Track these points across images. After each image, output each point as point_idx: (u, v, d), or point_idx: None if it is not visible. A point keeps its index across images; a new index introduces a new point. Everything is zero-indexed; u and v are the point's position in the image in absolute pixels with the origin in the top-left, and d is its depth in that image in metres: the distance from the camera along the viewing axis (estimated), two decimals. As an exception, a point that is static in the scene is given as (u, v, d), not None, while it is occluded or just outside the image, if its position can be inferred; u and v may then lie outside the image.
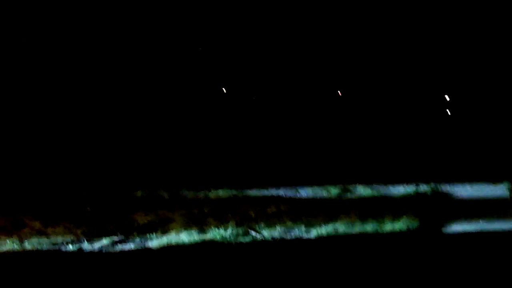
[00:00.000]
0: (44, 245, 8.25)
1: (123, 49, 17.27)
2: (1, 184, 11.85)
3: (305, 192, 12.69)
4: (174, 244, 8.38)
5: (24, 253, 7.90)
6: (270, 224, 9.50)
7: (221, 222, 9.55)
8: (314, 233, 9.10)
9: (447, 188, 13.39)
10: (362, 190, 12.93)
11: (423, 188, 13.19)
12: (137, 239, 8.68)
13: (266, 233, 9.03)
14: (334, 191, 12.77)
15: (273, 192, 12.62)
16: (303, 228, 9.39)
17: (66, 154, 15.81)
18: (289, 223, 9.60)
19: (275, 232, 9.14)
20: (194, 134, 19.93)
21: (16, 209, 9.92)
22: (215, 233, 8.91)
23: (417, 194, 12.59)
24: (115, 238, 8.65)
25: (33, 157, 15.12)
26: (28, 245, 8.20)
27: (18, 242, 8.35)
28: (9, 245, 8.24)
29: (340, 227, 9.43)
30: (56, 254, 7.88)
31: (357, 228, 9.38)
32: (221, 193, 12.12)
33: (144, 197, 11.75)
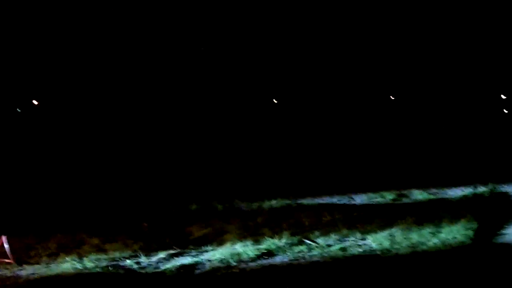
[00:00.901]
0: (103, 261, 8.42)
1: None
2: (62, 204, 12.20)
3: (360, 199, 12.57)
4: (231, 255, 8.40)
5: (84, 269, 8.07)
6: (325, 233, 9.43)
7: (276, 232, 9.54)
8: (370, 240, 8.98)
9: (506, 188, 13.03)
10: (418, 194, 12.72)
11: (481, 189, 12.87)
12: (193, 252, 8.76)
13: (321, 242, 8.96)
14: (389, 196, 12.61)
15: (326, 200, 12.56)
16: (358, 235, 9.28)
17: (122, 172, 16.15)
18: (344, 231, 9.51)
19: (330, 240, 9.06)
20: (246, 147, 20.01)
21: (76, 227, 10.17)
22: (269, 243, 8.90)
23: (475, 196, 12.29)
24: (172, 251, 8.74)
25: (91, 177, 15.50)
26: (86, 262, 8.37)
27: (77, 259, 8.54)
28: (69, 262, 8.44)
29: (397, 232, 9.27)
30: (114, 269, 8.01)
31: (414, 233, 9.21)
32: (275, 203, 12.13)
33: (199, 210, 11.87)
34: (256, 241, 9.06)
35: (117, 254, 8.77)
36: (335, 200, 12.57)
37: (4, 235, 8.97)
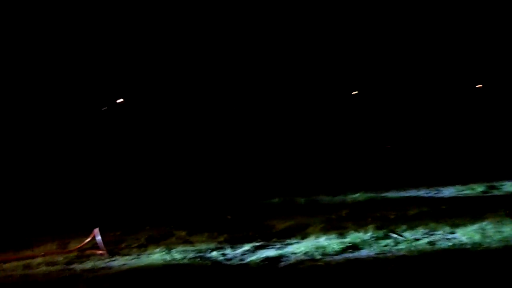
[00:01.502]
0: (190, 253, 8.61)
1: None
2: (152, 201, 12.55)
3: (447, 192, 12.23)
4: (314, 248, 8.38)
5: (172, 261, 8.29)
6: (411, 226, 9.24)
7: (360, 225, 9.44)
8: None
9: None
10: (510, 186, 12.25)
11: None
12: (277, 244, 8.80)
13: (408, 235, 8.78)
14: (478, 188, 12.20)
15: (412, 193, 12.29)
16: (447, 229, 9.03)
17: (207, 168, 16.42)
18: (432, 224, 9.28)
19: (417, 234, 8.87)
20: (330, 139, 19.87)
21: (164, 221, 10.47)
22: (354, 237, 8.81)
23: None
24: (256, 244, 8.82)
25: (177, 173, 15.86)
26: (175, 254, 8.60)
27: (166, 250, 8.79)
28: (158, 253, 8.70)
29: (488, 226, 8.96)
30: (201, 260, 8.17)
31: (506, 226, 8.86)
32: (358, 196, 12.00)
33: (282, 203, 11.92)
34: (341, 235, 9.00)
35: (203, 246, 8.96)
36: (421, 193, 12.29)
37: (97, 227, 9.36)
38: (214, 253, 8.49)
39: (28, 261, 8.86)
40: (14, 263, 8.77)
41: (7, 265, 8.70)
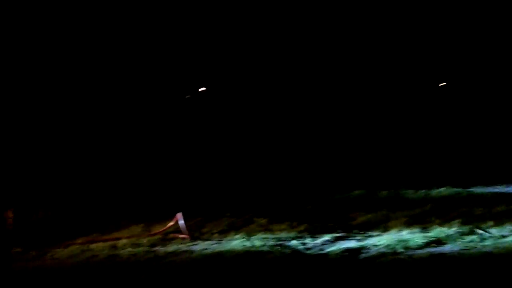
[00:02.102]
0: (270, 240, 8.66)
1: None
2: (233, 189, 12.70)
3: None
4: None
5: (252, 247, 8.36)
6: (498, 223, 8.90)
7: (445, 220, 9.18)
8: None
9: None
10: None
11: None
12: (358, 236, 8.70)
13: (495, 232, 8.46)
14: None
15: (501, 189, 11.85)
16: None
17: (287, 160, 16.43)
18: (521, 222, 8.91)
19: (504, 231, 8.53)
20: (414, 132, 19.39)
21: (246, 209, 10.57)
22: (438, 231, 8.59)
23: None
24: (336, 235, 8.76)
25: (258, 163, 15.94)
26: (255, 241, 8.67)
27: (246, 237, 8.88)
28: (239, 240, 8.80)
29: None
30: (281, 248, 8.20)
31: None
32: (443, 190, 11.69)
33: (362, 196, 11.78)
34: (424, 229, 8.80)
35: (283, 235, 8.99)
36: (510, 189, 11.83)
37: (180, 212, 9.58)
38: (294, 242, 8.50)
39: (114, 242, 9.18)
40: (101, 244, 9.12)
41: (94, 246, 9.04)
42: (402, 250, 7.87)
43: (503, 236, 8.25)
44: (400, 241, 8.25)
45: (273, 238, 8.79)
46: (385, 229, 8.99)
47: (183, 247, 8.66)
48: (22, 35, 14.55)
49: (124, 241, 9.18)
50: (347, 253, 7.86)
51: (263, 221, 9.87)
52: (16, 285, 6.90)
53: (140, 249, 8.66)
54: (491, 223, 8.90)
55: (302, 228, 9.27)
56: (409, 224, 9.16)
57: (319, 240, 8.56)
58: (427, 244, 8.06)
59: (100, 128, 15.46)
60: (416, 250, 7.85)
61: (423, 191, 11.84)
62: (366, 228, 9.12)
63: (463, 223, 8.94)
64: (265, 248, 8.21)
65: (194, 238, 9.14)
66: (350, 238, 8.63)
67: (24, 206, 9.89)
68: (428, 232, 8.61)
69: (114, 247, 8.87)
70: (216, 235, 9.35)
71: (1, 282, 5.57)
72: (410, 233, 8.63)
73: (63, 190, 11.83)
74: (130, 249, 8.69)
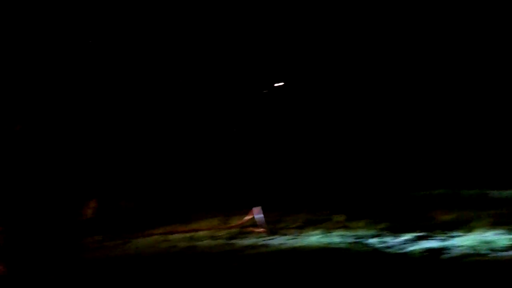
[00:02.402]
0: (348, 238, 8.53)
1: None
2: (311, 184, 12.60)
3: None
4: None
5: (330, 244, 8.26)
6: None
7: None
8: None
9: None
10: None
11: None
12: (440, 236, 8.43)
13: None
14: None
15: None
16: None
17: (371, 155, 16.10)
18: None
19: None
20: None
21: (324, 206, 10.46)
22: (526, 234, 8.20)
23: None
24: (417, 234, 8.52)
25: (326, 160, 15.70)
26: (332, 237, 8.57)
27: (324, 234, 8.80)
28: (316, 236, 8.72)
29: None
30: (360, 246, 8.06)
31: None
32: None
33: (446, 195, 11.41)
34: (511, 230, 8.41)
35: (362, 232, 8.84)
36: None
37: (258, 206, 9.60)
38: (374, 240, 8.33)
39: (192, 234, 9.32)
40: (180, 235, 9.27)
41: (173, 236, 9.21)
42: (487, 251, 7.56)
43: None
44: (484, 242, 7.92)
45: (351, 236, 8.65)
46: (469, 229, 8.66)
47: (260, 241, 8.67)
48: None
49: (202, 233, 9.29)
50: (428, 253, 7.63)
51: (341, 217, 9.74)
52: (97, 273, 7.09)
53: (218, 241, 8.74)
54: None
55: (382, 226, 9.08)
56: (494, 225, 8.78)
57: (399, 239, 8.35)
58: (514, 247, 7.72)
59: (181, 120, 15.69)
60: (501, 252, 7.52)
61: (510, 191, 11.34)
62: (449, 228, 8.81)
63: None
64: (343, 245, 8.10)
65: (271, 232, 9.13)
66: (432, 237, 8.37)
67: (108, 196, 10.19)
68: (514, 234, 8.24)
69: (193, 238, 9.00)
70: (293, 230, 9.31)
71: (74, 270, 5.76)
72: (496, 234, 8.27)
73: (145, 181, 12.09)
74: (208, 241, 8.79)
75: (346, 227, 9.25)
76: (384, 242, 8.24)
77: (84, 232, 7.99)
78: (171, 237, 9.13)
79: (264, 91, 19.69)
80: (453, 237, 8.34)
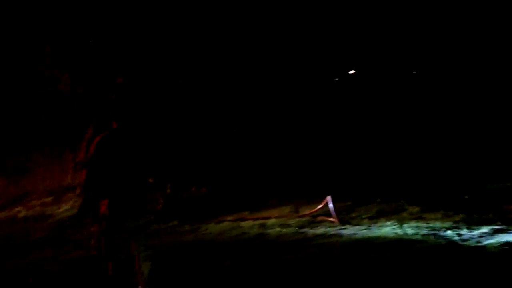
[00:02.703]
0: (423, 229, 8.33)
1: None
2: (385, 174, 12.34)
3: None
4: None
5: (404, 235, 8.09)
6: None
7: None
8: None
9: None
10: None
11: None
12: (519, 230, 8.10)
13: None
14: None
15: None
16: None
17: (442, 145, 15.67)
18: None
19: None
20: None
21: (398, 196, 10.24)
22: None
23: None
24: (495, 227, 8.21)
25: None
26: (407, 229, 8.38)
27: (397, 224, 8.62)
28: (389, 227, 8.56)
29: None
30: (435, 238, 7.84)
31: None
32: None
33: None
34: None
35: (437, 224, 8.60)
36: None
37: (329, 195, 9.50)
38: (449, 232, 8.08)
39: (263, 221, 9.32)
40: (250, 222, 9.30)
41: (243, 223, 9.25)
42: None
43: None
44: None
45: (426, 227, 8.43)
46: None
47: (331, 230, 8.58)
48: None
49: (273, 220, 9.29)
50: (507, 247, 7.35)
51: (415, 209, 9.51)
52: (172, 257, 7.20)
53: (289, 229, 8.71)
54: None
55: (457, 218, 8.79)
56: None
57: (476, 232, 8.07)
58: None
59: (253, 106, 15.76)
60: None
61: None
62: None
63: None
64: (418, 237, 7.90)
65: (343, 222, 9.03)
66: (510, 231, 8.05)
67: (181, 182, 10.31)
68: None
69: (263, 226, 9.01)
70: (365, 220, 9.17)
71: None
72: None
73: (217, 168, 12.19)
74: (278, 229, 8.77)
75: (421, 218, 9.02)
76: (460, 235, 7.99)
77: (158, 218, 8.11)
78: (242, 224, 9.17)
79: (336, 79, 19.48)
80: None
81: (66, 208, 10.36)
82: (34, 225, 9.33)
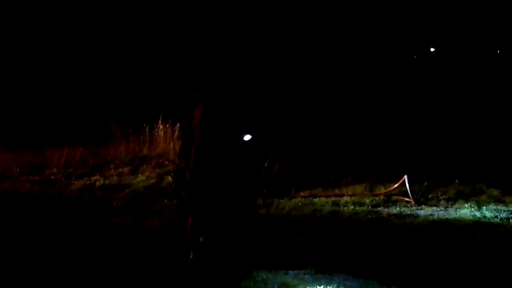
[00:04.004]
0: (503, 213, 8.05)
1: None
2: (465, 155, 11.97)
3: None
4: None
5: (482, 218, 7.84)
6: None
7: None
8: None
9: None
10: None
11: None
12: None
13: None
14: None
15: None
16: None
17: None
18: None
19: None
20: None
21: (477, 178, 9.92)
22: None
23: None
24: None
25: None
26: (485, 211, 8.12)
27: (476, 207, 8.37)
28: (467, 209, 8.31)
29: None
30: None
31: None
32: None
33: None
34: None
35: (517, 208, 8.32)
36: None
37: (406, 174, 9.29)
38: (530, 217, 7.79)
39: (336, 199, 9.22)
40: (323, 199, 9.21)
41: (317, 200, 9.17)
42: None
43: None
44: None
45: (506, 211, 8.16)
46: None
47: (407, 210, 8.42)
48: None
49: (346, 198, 9.18)
50: None
51: (495, 191, 9.19)
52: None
53: (363, 208, 8.59)
54: None
55: (539, 202, 8.48)
56: None
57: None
58: None
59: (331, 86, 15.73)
60: None
61: None
62: None
63: None
64: (496, 221, 7.65)
65: (419, 202, 8.83)
66: None
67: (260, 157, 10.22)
68: None
69: (337, 203, 8.91)
70: (443, 201, 8.95)
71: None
72: None
73: (292, 145, 12.13)
74: (352, 207, 8.66)
75: (500, 202, 8.74)
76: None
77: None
78: (315, 201, 9.09)
79: (415, 57, 19.04)
80: None
81: (142, 178, 10.59)
82: (112, 194, 9.57)
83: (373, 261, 6.09)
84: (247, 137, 5.83)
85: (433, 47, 18.56)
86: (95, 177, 10.73)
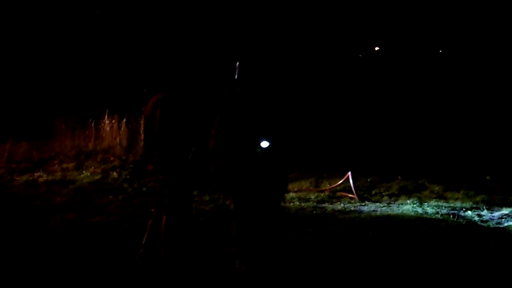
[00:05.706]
0: (443, 209, 8.28)
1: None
2: (406, 151, 12.24)
3: None
4: None
5: (424, 214, 8.04)
6: None
7: None
8: None
9: None
10: None
11: None
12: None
13: None
14: None
15: None
16: None
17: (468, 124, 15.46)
18: None
19: None
20: None
21: (420, 174, 10.16)
22: None
23: None
24: (518, 209, 8.15)
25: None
26: (427, 207, 8.34)
27: (418, 203, 8.57)
28: (410, 205, 8.51)
29: None
30: (455, 218, 7.79)
31: None
32: None
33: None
34: None
35: (458, 204, 8.57)
36: None
37: (350, 171, 9.45)
38: (469, 213, 8.05)
39: (282, 195, 9.28)
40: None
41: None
42: None
43: None
44: None
45: (446, 207, 8.40)
46: None
47: (351, 206, 8.57)
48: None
49: (292, 194, 9.27)
50: (527, 230, 7.29)
51: (436, 187, 9.46)
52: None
53: (308, 204, 8.70)
54: None
55: (478, 199, 8.75)
56: None
57: (496, 213, 8.04)
58: None
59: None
60: None
61: None
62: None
63: None
64: (437, 216, 7.87)
65: (362, 198, 9.01)
66: (534, 214, 7.98)
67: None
68: None
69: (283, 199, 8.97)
70: (385, 197, 9.15)
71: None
72: None
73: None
74: (298, 203, 8.76)
75: (442, 198, 8.99)
76: (481, 215, 7.95)
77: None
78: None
79: (360, 55, 19.30)
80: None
81: (87, 174, 10.45)
82: (56, 189, 9.42)
83: (318, 256, 6.18)
84: (265, 144, 5.39)
85: (377, 46, 18.85)
86: (39, 172, 10.54)
